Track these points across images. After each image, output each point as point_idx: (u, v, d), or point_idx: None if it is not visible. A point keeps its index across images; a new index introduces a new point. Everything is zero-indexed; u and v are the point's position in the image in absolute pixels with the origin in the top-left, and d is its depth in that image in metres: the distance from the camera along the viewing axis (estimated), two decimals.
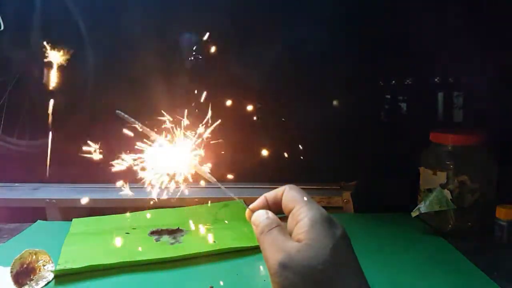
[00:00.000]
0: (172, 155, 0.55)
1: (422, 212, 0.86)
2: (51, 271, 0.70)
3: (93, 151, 0.59)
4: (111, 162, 0.58)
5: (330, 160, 1.09)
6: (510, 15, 0.97)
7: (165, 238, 0.84)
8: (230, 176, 0.85)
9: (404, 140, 1.03)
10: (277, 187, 0.46)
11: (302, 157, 1.07)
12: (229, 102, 1.05)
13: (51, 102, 0.73)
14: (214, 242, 0.81)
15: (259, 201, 0.46)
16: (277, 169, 1.08)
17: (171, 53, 1.07)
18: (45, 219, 0.99)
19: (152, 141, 0.54)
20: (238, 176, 1.06)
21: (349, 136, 1.09)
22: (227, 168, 0.72)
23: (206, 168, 0.56)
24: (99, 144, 0.60)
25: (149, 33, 1.06)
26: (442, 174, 0.87)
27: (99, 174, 0.84)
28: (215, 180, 0.52)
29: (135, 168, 0.57)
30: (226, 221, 0.92)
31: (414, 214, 0.87)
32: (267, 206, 0.46)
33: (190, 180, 0.57)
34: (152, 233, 0.87)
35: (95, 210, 0.98)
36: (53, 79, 0.68)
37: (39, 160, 1.12)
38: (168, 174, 0.56)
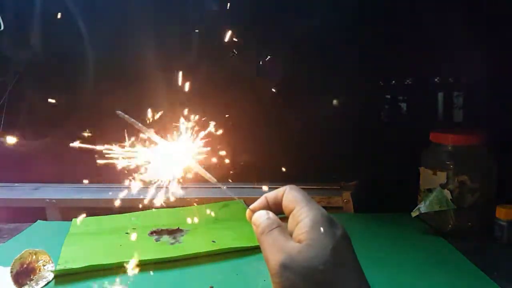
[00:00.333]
0: (172, 155, 0.55)
1: (422, 212, 0.86)
2: (51, 271, 0.70)
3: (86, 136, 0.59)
4: (110, 162, 0.58)
5: (330, 160, 1.09)
6: (510, 15, 0.97)
7: (165, 238, 0.84)
8: (230, 176, 0.85)
9: (404, 140, 1.03)
10: (277, 187, 0.46)
11: (302, 157, 1.08)
12: (229, 103, 1.05)
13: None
14: (214, 242, 0.81)
15: (260, 201, 0.46)
16: (277, 169, 1.08)
17: (172, 52, 1.07)
18: (45, 219, 0.99)
19: (152, 141, 0.54)
20: (238, 176, 1.07)
21: (349, 136, 1.09)
22: (227, 168, 0.72)
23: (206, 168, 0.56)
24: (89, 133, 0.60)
25: (149, 33, 1.06)
26: (442, 174, 0.87)
27: (99, 174, 0.84)
28: (215, 180, 0.52)
29: (135, 168, 0.57)
30: (226, 221, 0.92)
31: (414, 214, 0.87)
32: (268, 206, 0.46)
33: (190, 180, 0.57)
34: (152, 233, 0.87)
35: (95, 210, 0.98)
36: None
37: (39, 160, 1.12)
38: (168, 174, 0.56)
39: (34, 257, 0.70)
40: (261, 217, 0.43)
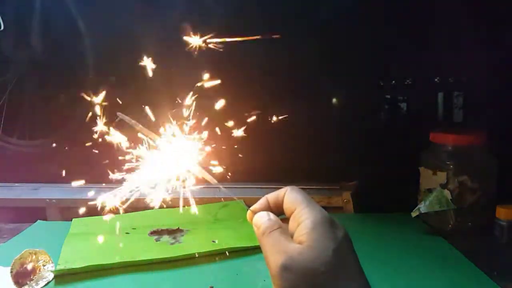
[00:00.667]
0: (172, 156, 0.55)
1: (422, 212, 0.86)
2: (51, 271, 0.70)
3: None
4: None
5: (330, 160, 1.09)
6: (510, 15, 0.97)
7: (165, 238, 0.84)
8: (230, 176, 0.85)
9: (404, 140, 1.03)
10: (277, 187, 0.46)
11: (302, 157, 1.08)
12: (227, 103, 1.05)
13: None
14: (214, 242, 0.81)
15: (261, 202, 0.46)
16: (277, 169, 1.08)
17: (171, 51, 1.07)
18: (45, 219, 0.99)
19: (153, 142, 0.54)
20: (238, 176, 1.06)
21: (349, 136, 1.09)
22: (227, 168, 0.72)
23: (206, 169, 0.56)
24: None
25: (149, 33, 1.06)
26: (442, 174, 0.87)
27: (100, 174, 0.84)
28: (216, 181, 0.52)
29: (135, 168, 0.57)
30: (226, 221, 0.92)
31: (414, 214, 0.87)
32: (269, 207, 0.46)
33: (191, 180, 0.57)
34: (152, 233, 0.87)
35: (95, 210, 0.98)
36: None
37: (39, 160, 1.12)
38: (168, 175, 0.57)
39: (34, 257, 0.70)
40: (262, 218, 0.43)
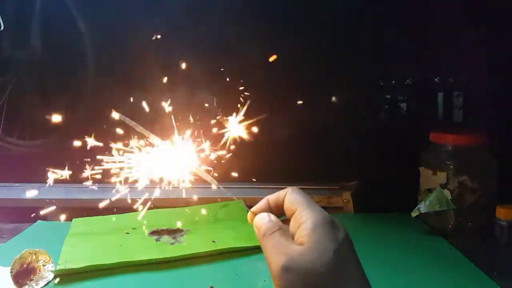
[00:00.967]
0: (172, 156, 0.55)
1: (422, 212, 0.86)
2: (51, 271, 0.70)
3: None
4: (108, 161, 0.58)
5: (330, 160, 1.09)
6: (510, 15, 0.97)
7: (165, 238, 0.84)
8: (230, 176, 0.85)
9: (404, 140, 1.03)
10: (277, 187, 0.46)
11: (302, 157, 1.08)
12: (226, 103, 1.05)
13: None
14: (214, 242, 0.81)
15: (261, 203, 0.46)
16: (277, 169, 1.08)
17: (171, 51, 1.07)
18: (45, 219, 0.99)
19: (152, 143, 0.54)
20: (238, 176, 1.06)
21: (349, 136, 1.09)
22: (227, 168, 0.72)
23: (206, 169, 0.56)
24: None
25: (149, 33, 1.05)
26: (442, 174, 0.87)
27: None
28: (216, 183, 0.52)
29: (135, 168, 0.57)
30: (226, 221, 0.92)
31: (414, 214, 0.87)
32: (269, 208, 0.46)
33: (191, 181, 0.57)
34: (152, 233, 0.87)
35: (95, 210, 0.98)
36: None
37: (39, 160, 1.12)
38: (168, 175, 0.57)
39: (34, 257, 0.70)
40: (263, 220, 0.43)
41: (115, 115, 0.50)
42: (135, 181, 0.60)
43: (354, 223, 0.94)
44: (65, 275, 0.70)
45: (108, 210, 0.96)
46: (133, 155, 0.57)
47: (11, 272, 0.66)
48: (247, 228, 0.75)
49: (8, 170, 1.11)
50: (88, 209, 1.01)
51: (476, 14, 1.00)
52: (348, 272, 0.38)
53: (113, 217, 0.94)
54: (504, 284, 0.66)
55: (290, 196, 0.44)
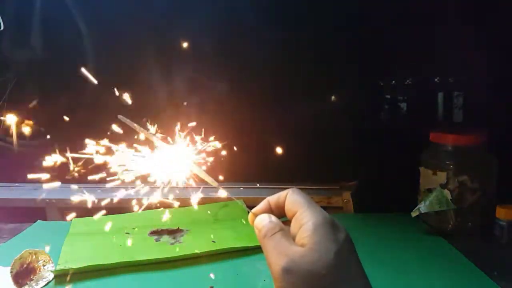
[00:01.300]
0: (172, 157, 0.55)
1: (422, 212, 0.86)
2: (51, 271, 0.70)
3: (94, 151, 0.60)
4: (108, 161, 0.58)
5: (330, 160, 1.09)
6: (510, 15, 0.97)
7: (165, 238, 0.84)
8: (231, 176, 0.85)
9: (404, 140, 1.03)
10: (277, 187, 0.46)
11: (302, 157, 1.08)
12: (226, 103, 1.05)
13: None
14: (214, 242, 0.81)
15: (262, 204, 0.46)
16: (277, 169, 1.08)
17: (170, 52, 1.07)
18: (45, 219, 0.99)
19: (154, 145, 0.54)
20: (238, 176, 1.06)
21: (349, 136, 1.09)
22: (227, 168, 0.72)
23: (206, 169, 0.56)
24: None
25: (149, 33, 1.06)
26: (442, 174, 0.87)
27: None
28: (217, 184, 0.52)
29: (135, 169, 0.57)
30: (226, 221, 0.92)
31: (414, 214, 0.87)
32: (270, 210, 0.46)
33: (191, 181, 0.57)
34: (152, 233, 0.87)
35: (95, 210, 0.98)
36: None
37: (39, 160, 1.12)
38: (168, 176, 0.57)
39: (34, 257, 0.70)
40: (264, 221, 0.43)
41: (120, 117, 0.50)
42: (135, 181, 0.60)
43: (354, 223, 0.94)
44: (65, 275, 0.70)
45: (108, 210, 0.96)
46: (133, 155, 0.57)
47: (11, 272, 0.66)
48: (247, 228, 0.76)
49: (8, 170, 1.11)
50: (88, 209, 1.00)
51: (476, 14, 1.00)
52: (349, 273, 0.38)
53: (113, 217, 0.94)
54: (504, 284, 0.67)
55: (290, 197, 0.44)
